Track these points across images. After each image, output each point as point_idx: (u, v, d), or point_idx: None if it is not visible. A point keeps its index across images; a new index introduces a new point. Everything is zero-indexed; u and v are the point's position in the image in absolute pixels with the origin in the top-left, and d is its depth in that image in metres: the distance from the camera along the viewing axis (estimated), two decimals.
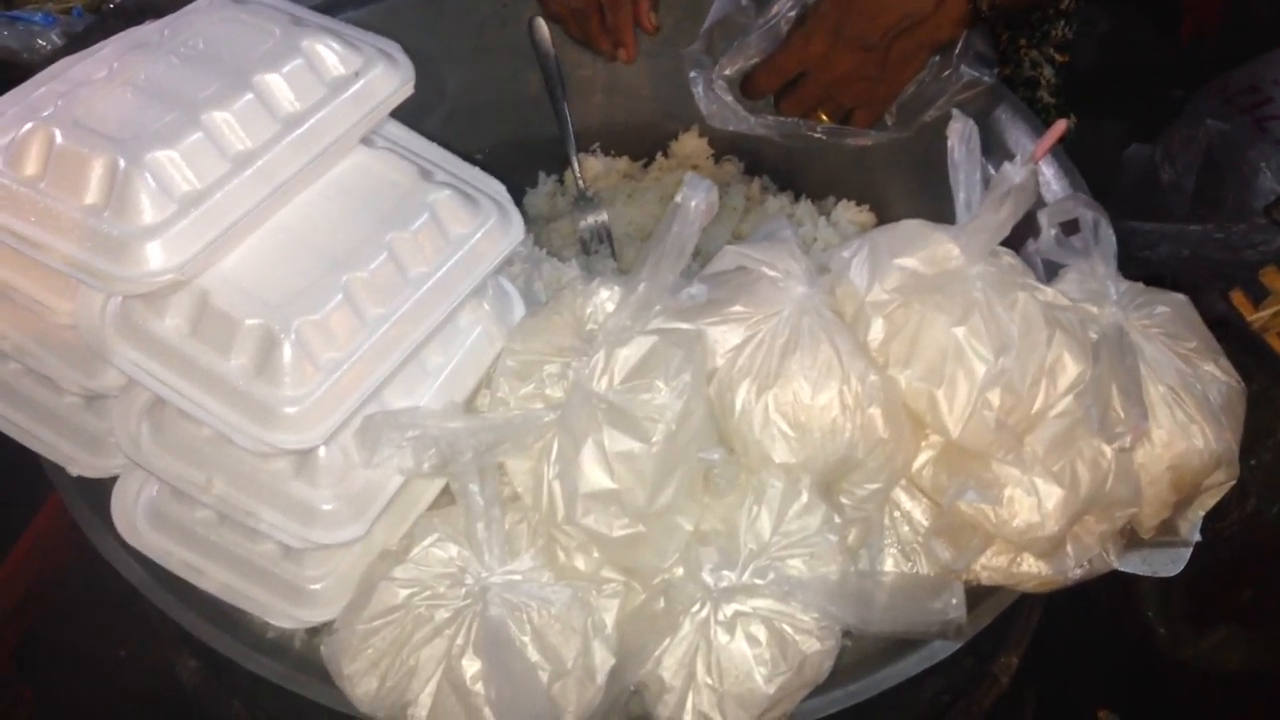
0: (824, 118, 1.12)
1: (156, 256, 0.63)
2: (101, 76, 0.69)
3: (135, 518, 0.75)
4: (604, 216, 1.22)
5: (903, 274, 0.76)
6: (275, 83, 0.69)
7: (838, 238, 1.19)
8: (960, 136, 0.84)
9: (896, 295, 0.76)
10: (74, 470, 0.78)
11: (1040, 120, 1.12)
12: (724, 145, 1.32)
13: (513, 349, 0.75)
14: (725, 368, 0.75)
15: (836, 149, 1.13)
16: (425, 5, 1.22)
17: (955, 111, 0.86)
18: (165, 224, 0.63)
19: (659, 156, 1.33)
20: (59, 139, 0.64)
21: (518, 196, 0.81)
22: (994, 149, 1.10)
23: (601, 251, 1.22)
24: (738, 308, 0.76)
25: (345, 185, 0.72)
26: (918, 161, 1.17)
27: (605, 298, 0.75)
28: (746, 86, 1.07)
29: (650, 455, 0.69)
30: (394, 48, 0.75)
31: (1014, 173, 0.72)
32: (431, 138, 0.81)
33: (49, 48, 1.61)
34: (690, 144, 1.32)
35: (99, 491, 0.78)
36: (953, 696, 1.00)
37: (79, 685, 1.61)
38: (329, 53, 0.71)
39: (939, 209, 1.16)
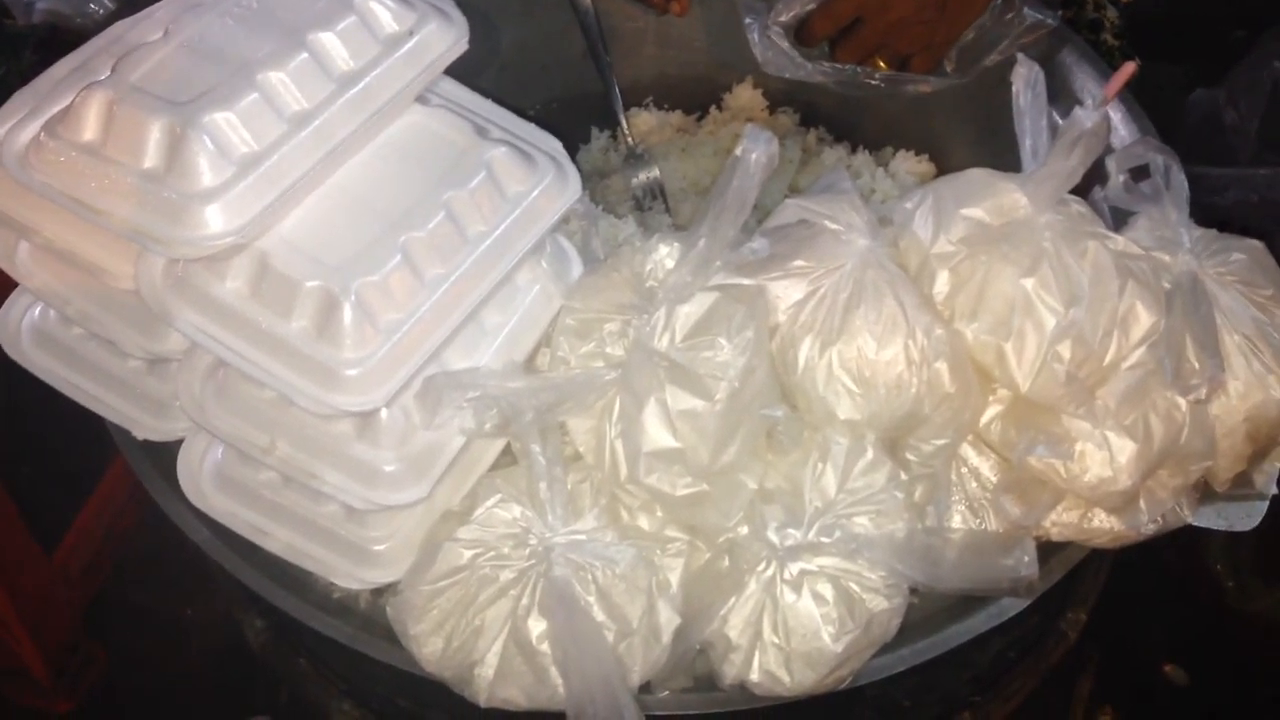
0: (881, 65, 1.09)
1: (216, 220, 0.62)
2: (156, 38, 0.68)
3: (201, 481, 0.75)
4: (656, 172, 1.21)
5: (968, 224, 0.75)
6: (329, 41, 0.68)
7: (896, 189, 1.17)
8: (1025, 81, 0.81)
9: (962, 247, 0.74)
10: (139, 434, 0.78)
11: (1105, 63, 1.09)
12: (779, 97, 1.30)
13: (572, 307, 0.74)
14: (787, 324, 0.73)
15: (894, 98, 1.10)
16: None
17: (1020, 56, 0.84)
18: (224, 187, 0.63)
19: (713, 110, 1.31)
20: (117, 103, 0.64)
21: (571, 153, 0.80)
22: (1059, 94, 1.08)
23: (655, 207, 1.20)
24: (799, 262, 0.74)
25: (401, 144, 0.71)
26: (979, 108, 1.15)
27: (664, 254, 0.74)
28: (801, 33, 1.05)
29: (713, 413, 0.68)
30: (447, 3, 0.74)
31: (1085, 117, 0.70)
32: (484, 94, 0.80)
33: (101, 12, 1.61)
34: (745, 96, 1.29)
35: (164, 455, 0.78)
36: (1019, 653, 0.99)
37: (149, 644, 1.65)
38: (383, 9, 0.70)
39: (1001, 157, 1.14)
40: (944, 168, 1.20)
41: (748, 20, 1.03)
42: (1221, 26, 1.75)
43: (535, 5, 1.25)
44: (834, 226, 0.75)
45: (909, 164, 1.20)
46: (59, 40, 1.57)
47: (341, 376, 0.65)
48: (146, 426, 0.78)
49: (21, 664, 1.49)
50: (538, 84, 1.30)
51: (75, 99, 0.65)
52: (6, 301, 0.81)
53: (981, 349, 0.73)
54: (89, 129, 0.64)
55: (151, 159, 0.63)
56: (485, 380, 0.69)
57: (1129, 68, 0.98)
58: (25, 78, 1.35)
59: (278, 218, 0.65)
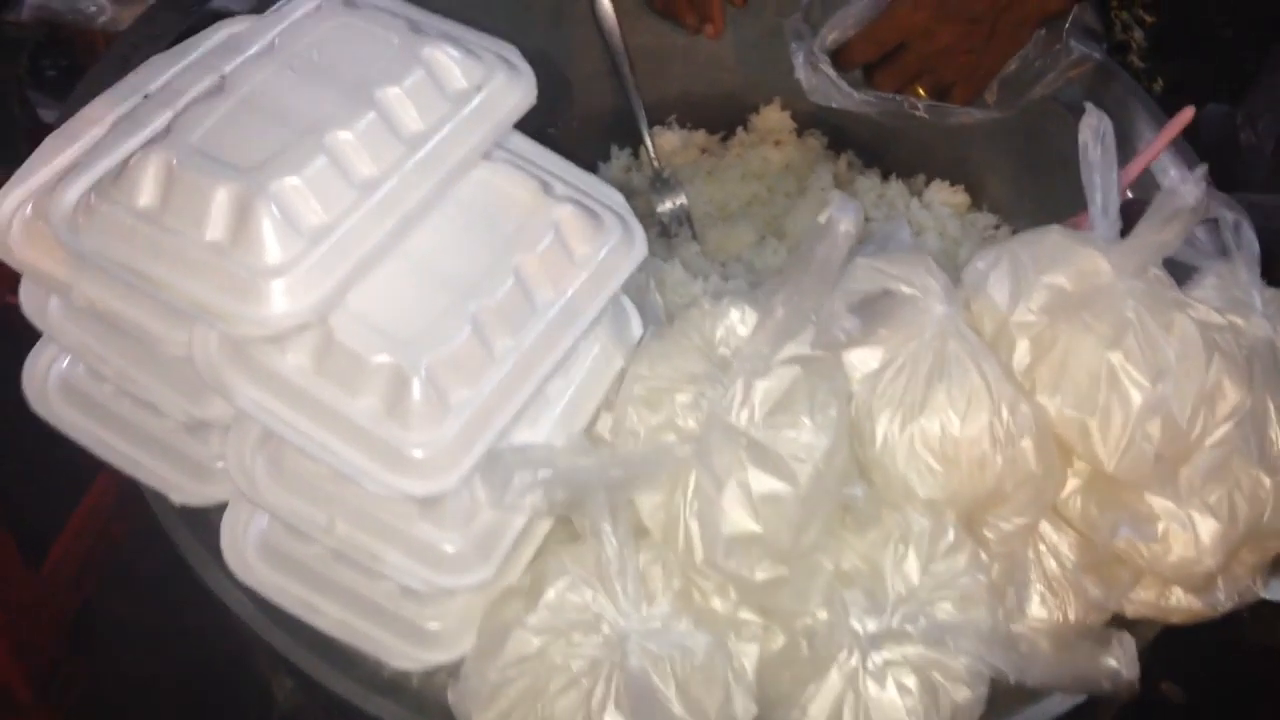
0: (920, 92, 1.06)
1: (286, 297, 0.59)
2: (212, 91, 0.64)
3: (246, 552, 0.71)
4: (683, 199, 1.17)
5: (1049, 292, 0.72)
6: (397, 99, 0.64)
7: (932, 220, 1.15)
8: (1094, 134, 0.79)
9: (1044, 316, 0.71)
10: (176, 498, 0.74)
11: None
12: (807, 119, 1.27)
13: (639, 374, 0.71)
14: (864, 394, 0.71)
15: (928, 125, 1.07)
16: None
17: (1089, 106, 0.82)
18: (294, 261, 0.59)
19: (740, 131, 1.27)
20: (177, 167, 0.60)
21: (590, 169, 0.77)
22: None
23: (682, 234, 1.17)
24: (875, 330, 0.71)
25: (465, 203, 0.67)
26: (1017, 140, 1.12)
27: (736, 319, 0.71)
28: (841, 56, 1.02)
29: (797, 497, 0.65)
30: (513, 53, 0.70)
31: (1186, 193, 0.67)
32: None
33: (94, 9, 1.56)
34: (772, 118, 1.26)
35: (203, 520, 0.74)
36: None
37: (136, 658, 1.60)
38: (450, 63, 0.66)
39: (1041, 192, 1.12)
40: (979, 198, 1.18)
41: (793, 45, 0.99)
42: (1244, 46, 1.73)
43: (559, 20, 1.20)
44: (909, 291, 0.72)
45: (944, 194, 1.17)
46: (50, 38, 1.51)
47: (410, 458, 0.62)
48: (185, 490, 0.74)
49: (4, 680, 1.44)
50: (559, 100, 1.26)
51: (131, 161, 0.61)
52: (32, 351, 0.77)
53: (1064, 424, 0.70)
54: (146, 194, 0.60)
55: (216, 229, 0.59)
56: (556, 457, 0.66)
57: (1186, 114, 0.96)
58: (22, 82, 1.28)
59: (348, 292, 0.61)
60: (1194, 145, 1.72)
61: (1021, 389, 0.70)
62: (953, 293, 0.74)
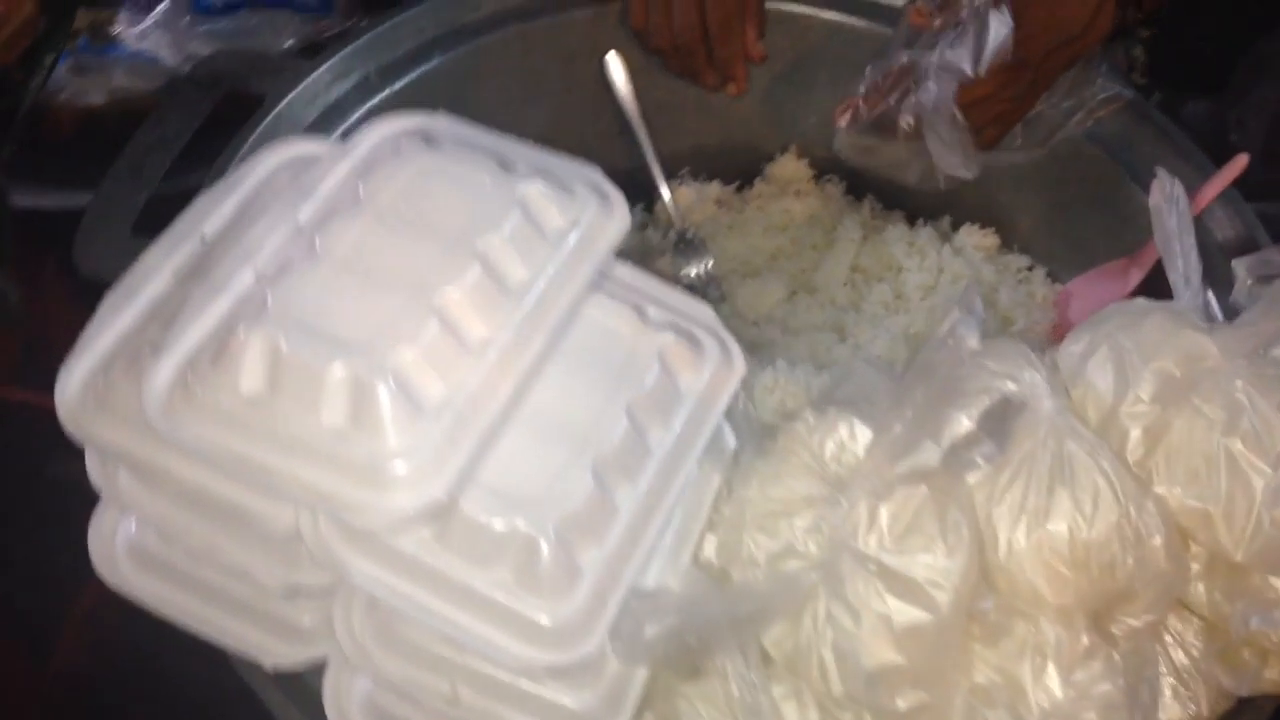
0: None
1: (417, 482, 0.55)
2: (302, 252, 0.60)
3: (351, 713, 0.68)
4: (710, 261, 1.15)
5: (1158, 379, 0.71)
6: (499, 248, 0.61)
7: (966, 266, 1.13)
8: (1167, 199, 0.78)
9: (1155, 404, 0.70)
10: (269, 663, 0.70)
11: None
12: (824, 165, 1.24)
13: (749, 499, 0.69)
14: (982, 500, 0.69)
15: None
16: (516, 40, 1.12)
17: (1160, 172, 0.81)
18: (421, 442, 0.56)
19: (757, 182, 1.25)
20: (286, 348, 0.56)
21: None
22: (1139, 172, 1.04)
23: (711, 295, 1.15)
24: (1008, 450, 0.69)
25: (568, 344, 0.64)
26: (1048, 180, 1.11)
27: (846, 434, 0.69)
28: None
29: (939, 626, 0.63)
30: (599, 176, 0.67)
31: None
32: None
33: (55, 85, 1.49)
34: (789, 166, 1.24)
35: (300, 682, 0.71)
36: None
37: None
38: (545, 201, 0.63)
39: (1072, 231, 1.11)
40: (1010, 240, 1.16)
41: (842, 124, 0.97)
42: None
43: (572, 84, 1.17)
44: (1013, 388, 0.71)
45: (974, 238, 1.16)
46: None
47: (545, 628, 0.59)
48: (279, 653, 0.70)
49: None
50: None
51: (232, 342, 0.57)
52: (95, 516, 0.73)
53: (1186, 514, 0.69)
54: (253, 378, 0.57)
55: (334, 413, 0.56)
56: (685, 601, 0.64)
57: (1240, 161, 0.95)
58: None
59: (478, 464, 0.58)
60: None
61: (1143, 483, 0.68)
62: (1058, 386, 0.72)
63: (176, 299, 0.65)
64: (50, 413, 1.30)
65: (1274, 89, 1.62)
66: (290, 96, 1.00)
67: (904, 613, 0.63)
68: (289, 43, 1.60)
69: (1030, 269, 1.14)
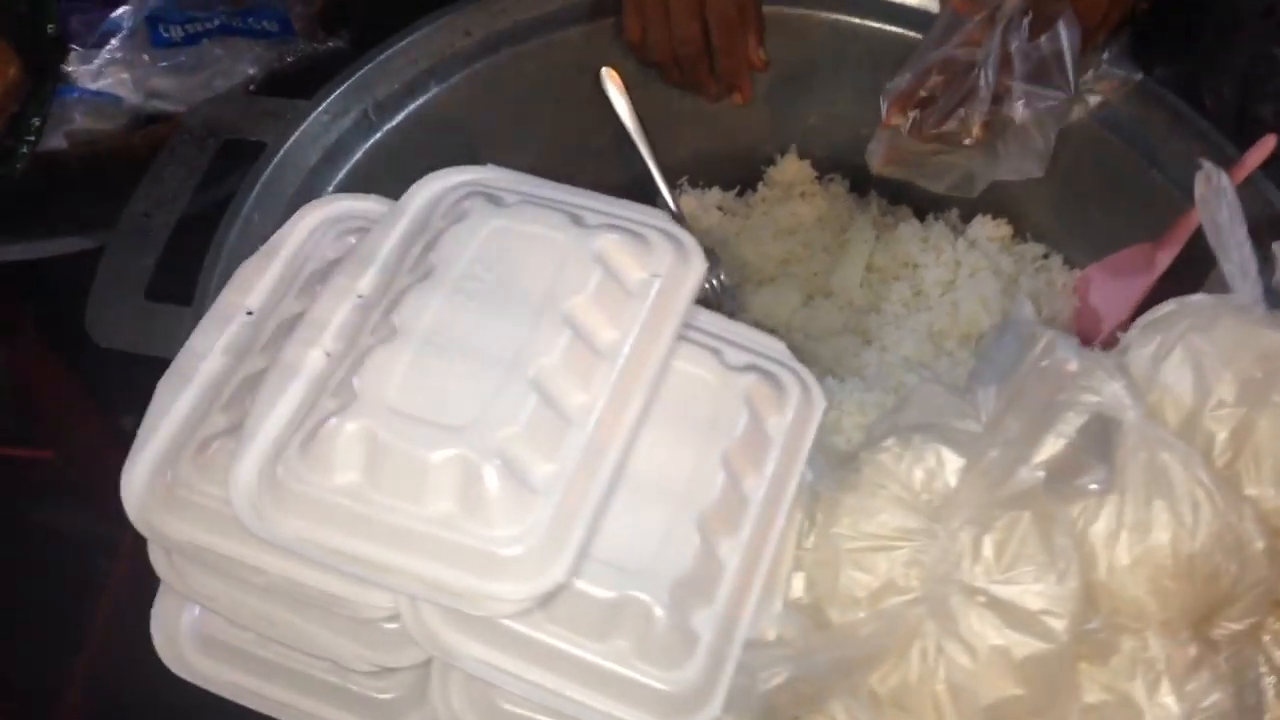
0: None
1: (535, 564, 0.53)
2: (379, 329, 0.58)
3: None
4: (723, 274, 1.13)
5: (1240, 380, 0.70)
6: (586, 309, 0.59)
7: (983, 260, 1.12)
8: (1215, 192, 0.77)
9: (1239, 406, 0.69)
10: None
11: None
12: (826, 165, 1.23)
13: (841, 534, 0.67)
14: (1076, 519, 0.68)
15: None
16: (510, 63, 1.10)
17: (1205, 164, 0.80)
18: (534, 523, 0.54)
19: (760, 187, 1.23)
20: (383, 436, 0.53)
21: None
22: (1159, 157, 1.03)
23: (727, 307, 1.12)
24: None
25: (658, 399, 0.62)
26: (1060, 167, 1.10)
27: (934, 462, 0.67)
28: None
29: (1058, 655, 0.62)
30: (665, 221, 0.65)
31: None
32: None
33: None
34: (792, 168, 1.22)
35: None
36: None
37: None
38: (623, 254, 0.61)
39: (1086, 217, 1.11)
40: (1021, 229, 1.15)
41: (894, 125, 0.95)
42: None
43: (566, 100, 1.14)
44: (1093, 399, 0.70)
45: (987, 229, 1.15)
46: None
47: (667, 697, 0.57)
48: None
49: None
50: (566, 177, 1.20)
51: (323, 432, 0.54)
52: (157, 605, 0.70)
53: (1276, 514, 0.69)
54: (349, 469, 0.54)
55: (440, 501, 0.53)
56: (795, 650, 0.62)
57: (1268, 143, 0.95)
58: None
59: (593, 539, 0.56)
60: None
61: (1238, 489, 0.68)
62: (1137, 394, 0.71)
63: (237, 382, 0.62)
64: (29, 463, 1.25)
65: (1244, 48, 1.62)
66: (291, 141, 0.97)
67: (1022, 645, 0.62)
68: (251, 70, 1.56)
69: (1046, 256, 1.13)
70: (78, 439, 1.50)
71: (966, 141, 0.98)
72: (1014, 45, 0.93)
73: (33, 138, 0.87)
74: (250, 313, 0.65)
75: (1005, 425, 0.64)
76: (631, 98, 1.12)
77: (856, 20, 1.11)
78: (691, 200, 1.22)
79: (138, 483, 0.59)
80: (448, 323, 0.57)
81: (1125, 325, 0.91)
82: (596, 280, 0.59)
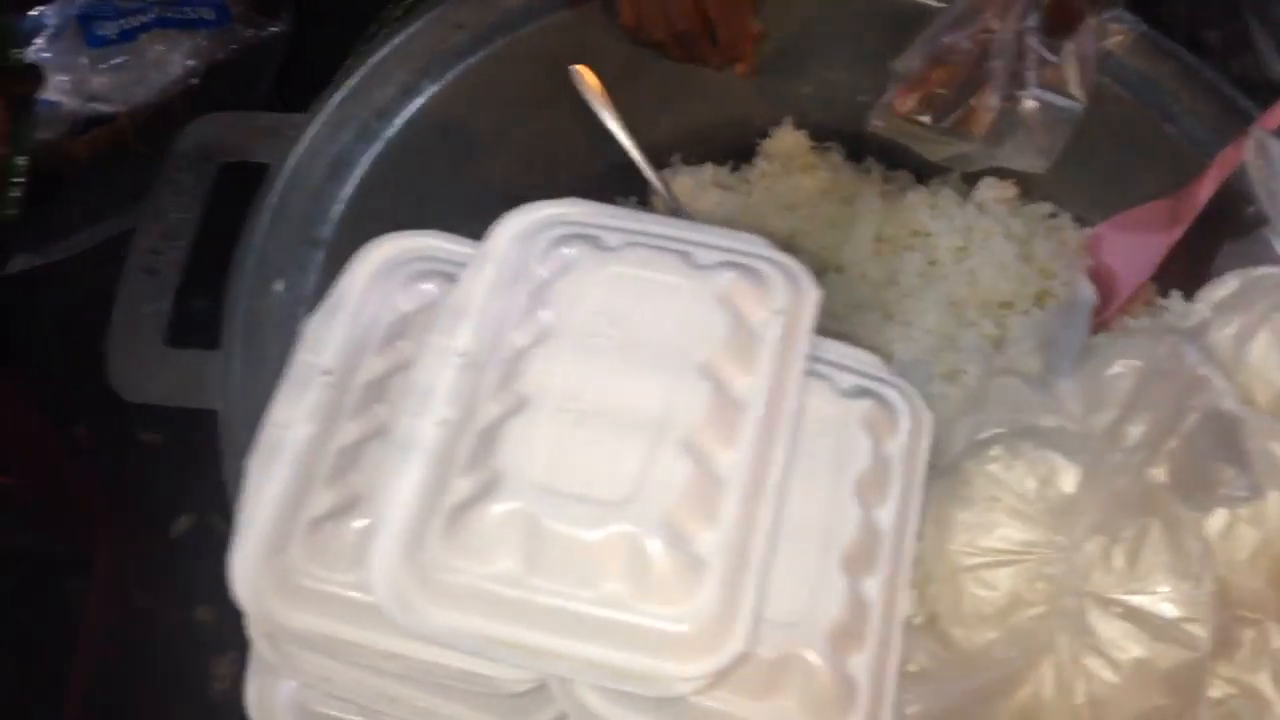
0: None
1: (712, 638, 0.51)
2: (506, 398, 0.54)
3: None
4: None
5: None
6: (719, 358, 0.56)
7: (994, 223, 1.11)
8: (1264, 153, 0.77)
9: None
10: None
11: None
12: (820, 133, 1.20)
13: (959, 551, 0.66)
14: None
15: None
16: (505, 54, 1.05)
17: (1256, 131, 0.79)
18: (705, 594, 0.51)
19: (757, 160, 1.20)
20: (538, 518, 0.50)
21: None
22: (1171, 110, 1.03)
23: None
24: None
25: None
26: None
27: (1047, 471, 0.66)
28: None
29: (1200, 661, 0.62)
30: (771, 249, 0.62)
31: None
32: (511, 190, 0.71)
33: None
34: (788, 140, 1.19)
35: None
36: None
37: None
38: (743, 294, 0.58)
39: (1092, 172, 1.10)
40: (1028, 189, 1.14)
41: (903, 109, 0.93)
42: None
43: (565, 87, 1.10)
44: (1214, 398, 0.69)
45: (994, 191, 1.13)
46: None
47: None
48: None
49: None
50: (561, 169, 1.16)
51: (467, 515, 0.51)
52: (253, 679, 0.66)
53: None
54: (502, 553, 0.51)
55: (604, 579, 0.51)
56: (936, 681, 0.61)
57: None
58: None
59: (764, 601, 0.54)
60: None
61: None
62: (1221, 375, 0.71)
63: (334, 453, 0.59)
64: None
65: None
66: (296, 158, 0.92)
67: (1167, 654, 0.62)
68: (191, 63, 1.48)
69: (1054, 215, 1.12)
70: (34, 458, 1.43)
71: (973, 132, 0.97)
72: (1030, 41, 0.92)
73: (21, 179, 0.80)
74: (328, 373, 0.61)
75: (1122, 431, 0.63)
76: (618, 79, 1.09)
77: None
78: (686, 179, 1.19)
79: (249, 574, 0.55)
80: (580, 386, 0.54)
81: (1145, 285, 0.91)
82: (723, 325, 0.56)
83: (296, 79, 1.42)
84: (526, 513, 0.51)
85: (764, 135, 1.20)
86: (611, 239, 0.60)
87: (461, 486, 0.52)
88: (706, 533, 0.52)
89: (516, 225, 0.62)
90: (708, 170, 1.20)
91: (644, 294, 0.57)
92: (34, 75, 0.84)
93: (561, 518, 0.51)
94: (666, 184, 1.10)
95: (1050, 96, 0.91)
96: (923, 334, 1.03)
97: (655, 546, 0.50)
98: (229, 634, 1.46)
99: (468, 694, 0.59)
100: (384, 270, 0.66)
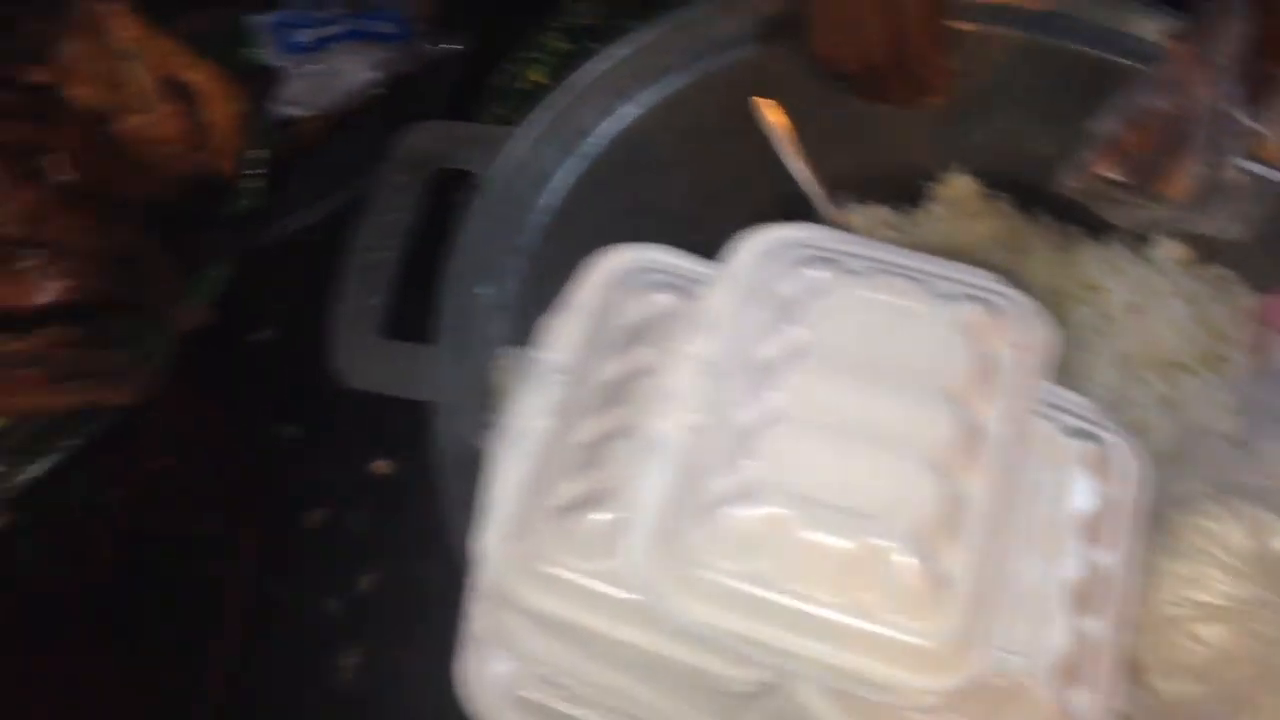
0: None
1: (951, 656, 0.53)
2: (760, 407, 0.57)
3: None
4: None
5: None
6: (962, 385, 0.58)
7: (1169, 284, 1.11)
8: None
9: None
10: None
11: None
12: (992, 181, 1.21)
13: (1166, 602, 0.67)
14: None
15: None
16: (699, 88, 1.08)
17: None
18: (951, 613, 0.53)
19: (927, 203, 1.22)
20: (792, 522, 0.53)
21: None
22: None
23: None
24: None
25: None
26: None
27: (1259, 530, 0.67)
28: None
29: None
30: (998, 282, 0.64)
31: None
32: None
33: None
34: (959, 186, 1.20)
35: None
36: None
37: None
38: (984, 326, 0.60)
39: (1268, 245, 1.10)
40: (1204, 252, 1.14)
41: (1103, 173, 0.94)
42: None
43: (734, 134, 1.13)
44: None
45: (1167, 250, 1.14)
46: None
47: None
48: None
49: None
50: (727, 208, 1.18)
51: (728, 516, 0.53)
52: (465, 658, 0.69)
53: None
54: (757, 554, 0.53)
55: (855, 588, 0.53)
56: None
57: None
58: None
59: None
60: None
61: None
62: None
63: (575, 447, 0.62)
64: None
65: None
66: (508, 170, 0.96)
67: None
68: (373, 75, 1.54)
69: (1228, 279, 1.12)
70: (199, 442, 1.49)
71: (1171, 198, 0.97)
72: (1232, 108, 0.92)
73: (262, 170, 0.85)
74: (566, 371, 0.64)
75: None
76: (795, 114, 1.12)
77: (1051, 41, 1.10)
78: (856, 218, 1.21)
79: (495, 551, 0.58)
80: (833, 401, 0.56)
81: None
82: (966, 354, 0.58)
83: (470, 95, 1.48)
84: (783, 517, 0.53)
85: (933, 179, 1.22)
86: (854, 264, 0.62)
87: (715, 487, 0.55)
88: (954, 552, 0.54)
89: (758, 245, 0.64)
90: (879, 210, 1.22)
91: (890, 318, 0.59)
92: (269, 76, 0.89)
93: (817, 525, 0.53)
94: (844, 221, 1.12)
95: (1253, 165, 0.91)
96: (1094, 387, 1.04)
97: (906, 560, 0.52)
98: (355, 627, 1.52)
99: (687, 689, 0.61)
100: (617, 278, 0.69)
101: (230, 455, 1.59)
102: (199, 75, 0.85)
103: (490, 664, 0.68)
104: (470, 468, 0.81)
